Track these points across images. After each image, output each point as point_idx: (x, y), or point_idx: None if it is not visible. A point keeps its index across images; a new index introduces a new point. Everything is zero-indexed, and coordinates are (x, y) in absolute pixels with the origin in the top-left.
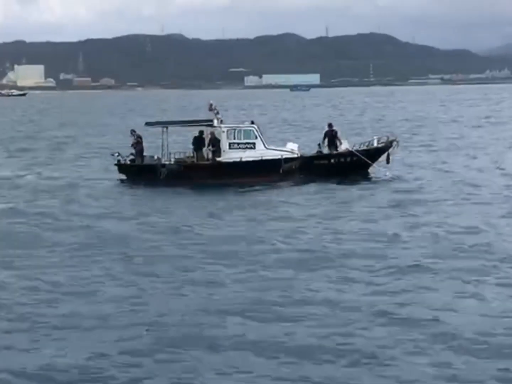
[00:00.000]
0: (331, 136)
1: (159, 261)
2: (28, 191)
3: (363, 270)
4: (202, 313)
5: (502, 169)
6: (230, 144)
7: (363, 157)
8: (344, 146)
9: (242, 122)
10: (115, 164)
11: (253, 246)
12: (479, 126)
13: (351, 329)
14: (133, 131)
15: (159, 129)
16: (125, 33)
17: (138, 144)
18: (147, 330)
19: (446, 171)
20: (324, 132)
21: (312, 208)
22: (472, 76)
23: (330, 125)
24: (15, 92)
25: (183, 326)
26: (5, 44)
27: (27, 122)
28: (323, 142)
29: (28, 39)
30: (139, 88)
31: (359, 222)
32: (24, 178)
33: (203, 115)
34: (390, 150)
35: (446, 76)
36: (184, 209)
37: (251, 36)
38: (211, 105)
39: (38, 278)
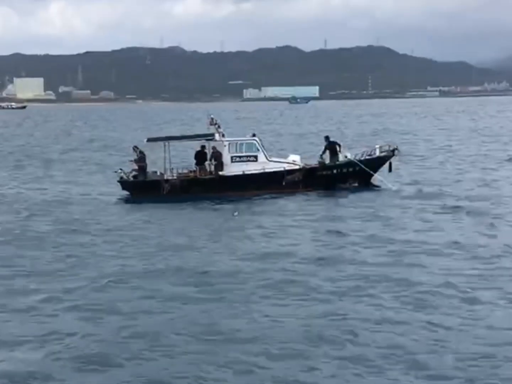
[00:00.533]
0: (333, 148)
1: (159, 278)
2: (27, 207)
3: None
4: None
5: None
6: (232, 157)
7: (365, 168)
8: (341, 156)
9: (244, 135)
10: (118, 181)
11: (255, 263)
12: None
13: None
14: (135, 148)
15: (161, 144)
16: (124, 46)
17: (141, 160)
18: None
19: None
20: (324, 145)
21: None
22: (471, 88)
23: (327, 138)
24: (14, 105)
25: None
26: (4, 57)
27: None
28: (323, 154)
29: (27, 51)
30: (139, 101)
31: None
32: (25, 193)
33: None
34: (392, 159)
35: (445, 89)
36: (189, 225)
37: (250, 49)
38: (212, 119)
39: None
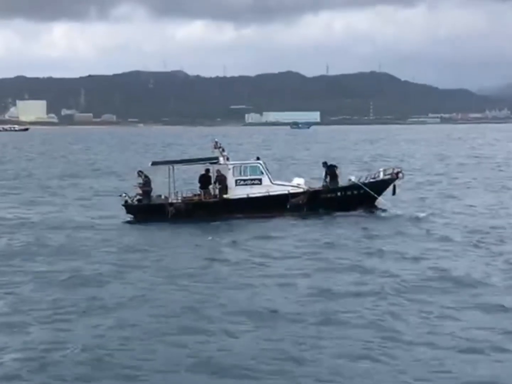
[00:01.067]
0: (332, 172)
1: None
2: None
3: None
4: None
5: None
6: (236, 180)
7: (369, 191)
8: (340, 178)
9: (248, 158)
10: (123, 205)
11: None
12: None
13: None
14: (140, 172)
15: (165, 168)
16: (127, 70)
17: (146, 184)
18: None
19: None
20: (324, 170)
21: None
22: (472, 115)
23: (325, 163)
24: (17, 127)
25: None
26: (7, 79)
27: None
28: (325, 179)
29: (30, 74)
30: (140, 124)
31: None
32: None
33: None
34: (396, 182)
35: (446, 115)
36: (188, 250)
37: (252, 73)
38: (216, 143)
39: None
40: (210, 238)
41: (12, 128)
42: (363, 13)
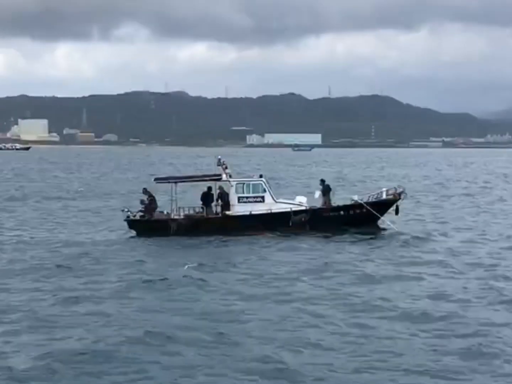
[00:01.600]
0: (327, 191)
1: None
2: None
3: None
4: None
5: None
6: (239, 198)
7: (372, 210)
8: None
9: (251, 176)
10: (125, 220)
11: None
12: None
13: None
14: (145, 190)
15: (168, 185)
16: (129, 90)
17: (151, 203)
18: None
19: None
20: (320, 188)
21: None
22: (474, 140)
23: (323, 181)
24: (18, 146)
25: None
26: (9, 98)
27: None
28: (323, 196)
29: (32, 93)
30: (142, 145)
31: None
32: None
33: None
34: (398, 202)
35: (448, 139)
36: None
37: (254, 95)
38: (219, 160)
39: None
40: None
41: (14, 147)
42: (365, 36)
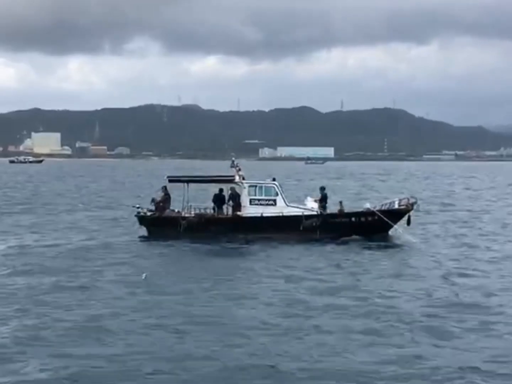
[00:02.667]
0: (323, 197)
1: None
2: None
3: None
4: None
5: None
6: (251, 200)
7: (385, 218)
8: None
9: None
10: (136, 215)
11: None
12: None
13: None
14: (164, 188)
15: (180, 185)
16: (141, 103)
17: (164, 201)
18: None
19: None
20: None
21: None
22: (487, 153)
23: (323, 188)
24: (31, 158)
25: None
26: (22, 111)
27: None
28: (321, 203)
29: (45, 107)
30: (154, 158)
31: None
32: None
33: None
34: (411, 212)
35: (461, 153)
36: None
37: (267, 108)
38: (233, 161)
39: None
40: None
41: (27, 160)
42: (376, 50)
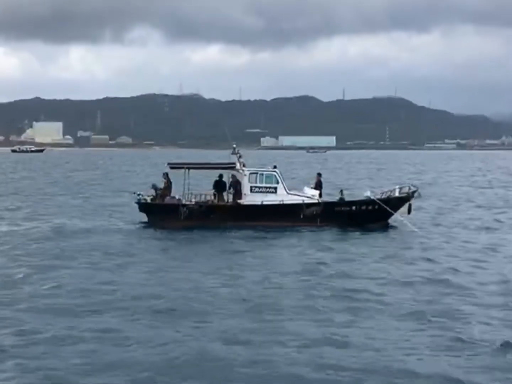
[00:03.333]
0: (318, 182)
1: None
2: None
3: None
4: None
5: None
6: (251, 187)
7: (385, 206)
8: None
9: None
10: (136, 202)
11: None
12: None
13: None
14: (166, 174)
15: (181, 171)
16: (143, 92)
17: (166, 188)
18: None
19: None
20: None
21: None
22: (488, 141)
23: (319, 174)
24: (33, 148)
25: None
26: (24, 100)
27: None
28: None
29: (46, 96)
30: (156, 147)
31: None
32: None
33: None
34: (411, 200)
35: (462, 141)
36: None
37: (268, 97)
38: (234, 148)
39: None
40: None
41: (28, 149)
42: (377, 38)
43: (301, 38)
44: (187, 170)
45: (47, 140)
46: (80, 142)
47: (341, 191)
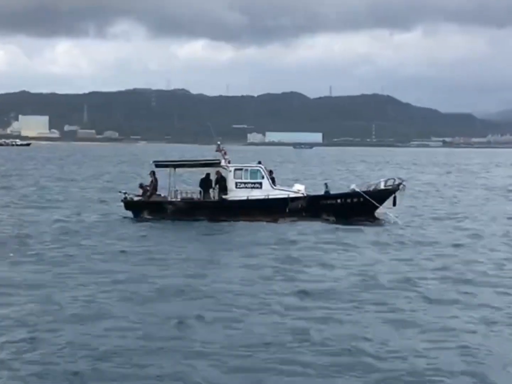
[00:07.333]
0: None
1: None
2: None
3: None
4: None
5: None
6: (237, 183)
7: (370, 199)
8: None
9: (249, 163)
10: (122, 200)
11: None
12: None
13: None
14: (153, 173)
15: (167, 169)
16: (130, 87)
17: (154, 186)
18: None
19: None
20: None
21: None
22: (474, 140)
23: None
24: (19, 142)
25: None
26: (11, 94)
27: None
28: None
29: (33, 89)
30: (142, 142)
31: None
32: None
33: None
34: (397, 192)
35: (448, 139)
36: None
37: (255, 93)
38: (218, 145)
39: None
40: None
41: (14, 143)
42: (360, 36)
43: (285, 35)
44: (173, 168)
45: (33, 133)
46: (67, 136)
47: (326, 184)
